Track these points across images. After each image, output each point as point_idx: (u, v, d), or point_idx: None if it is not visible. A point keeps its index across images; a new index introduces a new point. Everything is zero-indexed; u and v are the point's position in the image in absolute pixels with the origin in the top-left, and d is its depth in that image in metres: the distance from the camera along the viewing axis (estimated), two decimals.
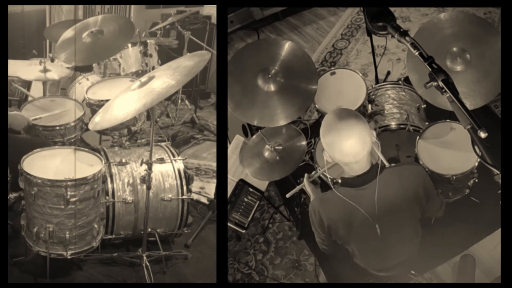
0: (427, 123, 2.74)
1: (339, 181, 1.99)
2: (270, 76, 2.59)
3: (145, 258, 2.56)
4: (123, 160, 2.69)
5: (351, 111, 1.90)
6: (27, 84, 3.53)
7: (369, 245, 2.02)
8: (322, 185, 2.31)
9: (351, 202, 1.89)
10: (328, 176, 2.53)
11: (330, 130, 1.84)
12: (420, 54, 1.79)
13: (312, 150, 2.88)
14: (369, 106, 2.88)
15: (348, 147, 1.81)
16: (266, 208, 3.35)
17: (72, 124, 2.93)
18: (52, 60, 3.53)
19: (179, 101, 4.41)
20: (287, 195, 2.34)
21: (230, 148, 2.87)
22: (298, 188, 2.29)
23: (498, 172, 1.58)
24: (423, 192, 1.95)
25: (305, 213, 2.34)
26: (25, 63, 3.77)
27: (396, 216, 1.93)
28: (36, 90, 3.46)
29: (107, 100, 2.46)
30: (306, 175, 2.24)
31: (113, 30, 3.20)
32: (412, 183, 1.93)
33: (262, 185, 2.77)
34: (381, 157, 2.09)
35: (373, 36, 3.18)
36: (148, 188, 2.46)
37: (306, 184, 2.22)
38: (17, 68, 3.31)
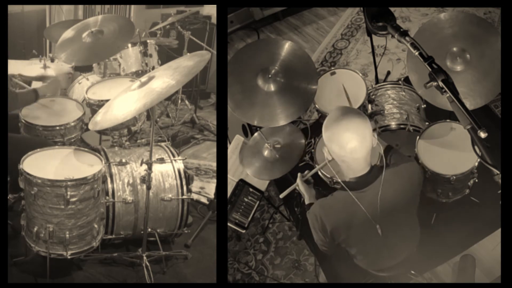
0: (427, 123, 2.74)
1: (339, 180, 2.00)
2: (270, 76, 2.59)
3: (145, 258, 2.56)
4: (123, 160, 2.69)
5: (356, 109, 1.94)
6: (27, 85, 3.52)
7: (370, 246, 2.03)
8: (316, 184, 2.31)
9: (353, 203, 1.90)
10: (326, 174, 2.53)
11: (332, 123, 1.86)
12: (420, 54, 1.79)
13: (312, 150, 2.88)
14: (369, 106, 2.88)
15: (346, 139, 1.83)
16: (266, 208, 3.35)
17: (72, 124, 2.93)
18: (52, 60, 3.53)
19: (179, 101, 4.41)
20: (281, 196, 2.35)
21: (230, 148, 2.87)
22: (291, 188, 2.29)
23: (498, 172, 1.58)
24: (418, 189, 1.98)
25: (305, 213, 2.35)
26: (25, 63, 3.77)
27: (396, 215, 1.94)
28: None
29: (107, 100, 2.46)
30: (299, 174, 2.26)
31: (113, 30, 3.20)
32: (411, 182, 1.95)
33: (262, 185, 2.77)
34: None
35: (373, 36, 3.18)
36: (148, 188, 2.46)
37: (299, 184, 2.24)
38: (17, 68, 3.31)
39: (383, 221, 1.92)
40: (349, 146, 1.83)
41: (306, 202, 2.20)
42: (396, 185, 1.92)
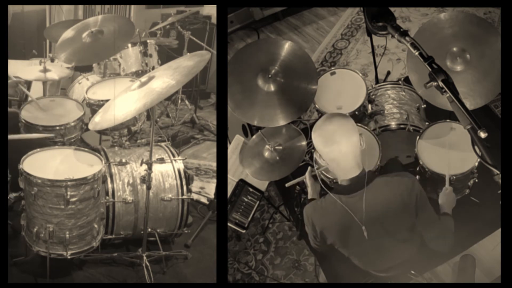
0: (427, 123, 2.75)
1: (331, 181, 2.01)
2: (270, 76, 2.59)
3: (145, 258, 2.56)
4: (123, 160, 2.69)
5: (340, 113, 1.99)
6: (27, 84, 3.53)
7: (363, 249, 2.04)
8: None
9: (343, 207, 1.91)
10: (328, 175, 2.54)
11: (318, 125, 1.93)
12: (420, 54, 1.79)
13: (312, 150, 2.88)
14: (369, 106, 2.88)
15: (330, 133, 1.87)
16: (266, 208, 3.35)
17: (72, 124, 2.93)
18: (52, 60, 3.53)
19: (179, 101, 4.41)
20: (287, 185, 2.37)
21: (230, 148, 2.87)
22: (299, 179, 2.32)
23: (498, 172, 1.58)
24: (414, 203, 1.93)
25: None
26: (25, 63, 3.77)
27: (385, 222, 1.95)
28: (36, 90, 3.46)
29: (107, 100, 2.46)
30: (309, 168, 2.29)
31: (113, 30, 3.19)
32: (401, 192, 1.92)
33: (262, 185, 2.77)
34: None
35: (373, 36, 3.18)
36: (148, 188, 2.46)
37: (307, 177, 2.27)
38: (17, 68, 3.30)
39: (373, 225, 1.93)
40: (334, 139, 1.86)
41: (309, 197, 2.23)
42: (386, 193, 1.92)
